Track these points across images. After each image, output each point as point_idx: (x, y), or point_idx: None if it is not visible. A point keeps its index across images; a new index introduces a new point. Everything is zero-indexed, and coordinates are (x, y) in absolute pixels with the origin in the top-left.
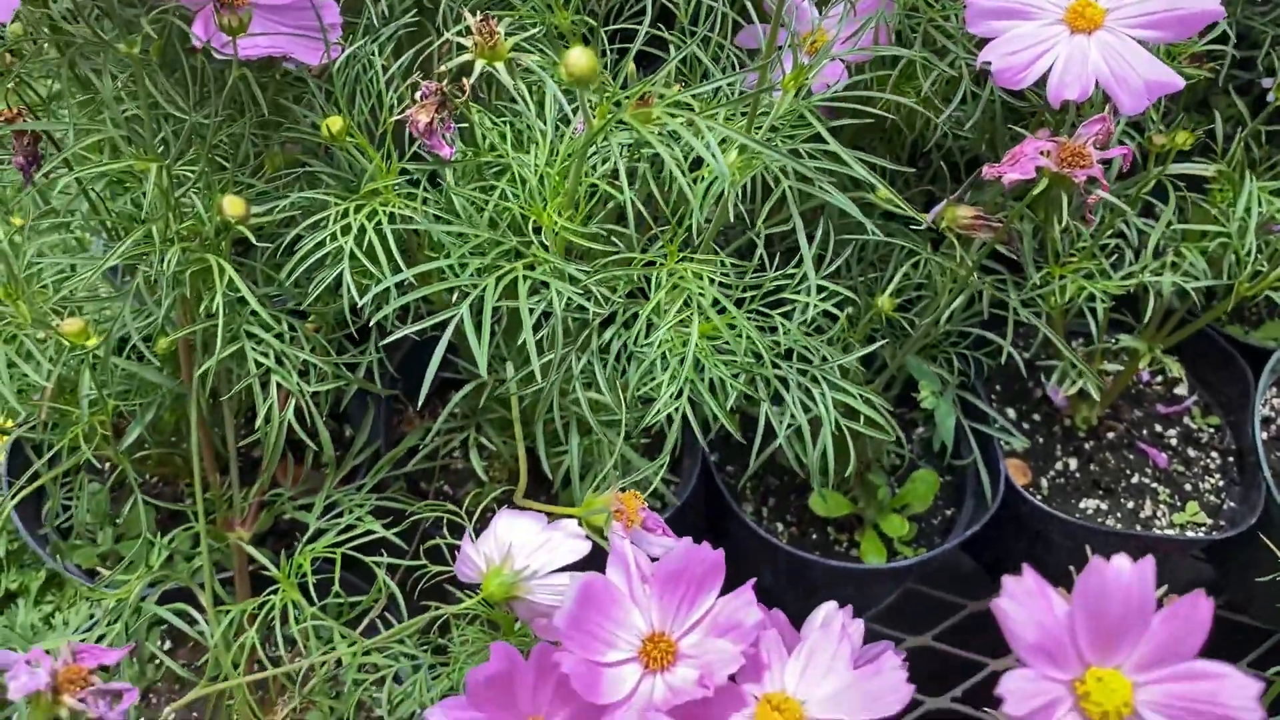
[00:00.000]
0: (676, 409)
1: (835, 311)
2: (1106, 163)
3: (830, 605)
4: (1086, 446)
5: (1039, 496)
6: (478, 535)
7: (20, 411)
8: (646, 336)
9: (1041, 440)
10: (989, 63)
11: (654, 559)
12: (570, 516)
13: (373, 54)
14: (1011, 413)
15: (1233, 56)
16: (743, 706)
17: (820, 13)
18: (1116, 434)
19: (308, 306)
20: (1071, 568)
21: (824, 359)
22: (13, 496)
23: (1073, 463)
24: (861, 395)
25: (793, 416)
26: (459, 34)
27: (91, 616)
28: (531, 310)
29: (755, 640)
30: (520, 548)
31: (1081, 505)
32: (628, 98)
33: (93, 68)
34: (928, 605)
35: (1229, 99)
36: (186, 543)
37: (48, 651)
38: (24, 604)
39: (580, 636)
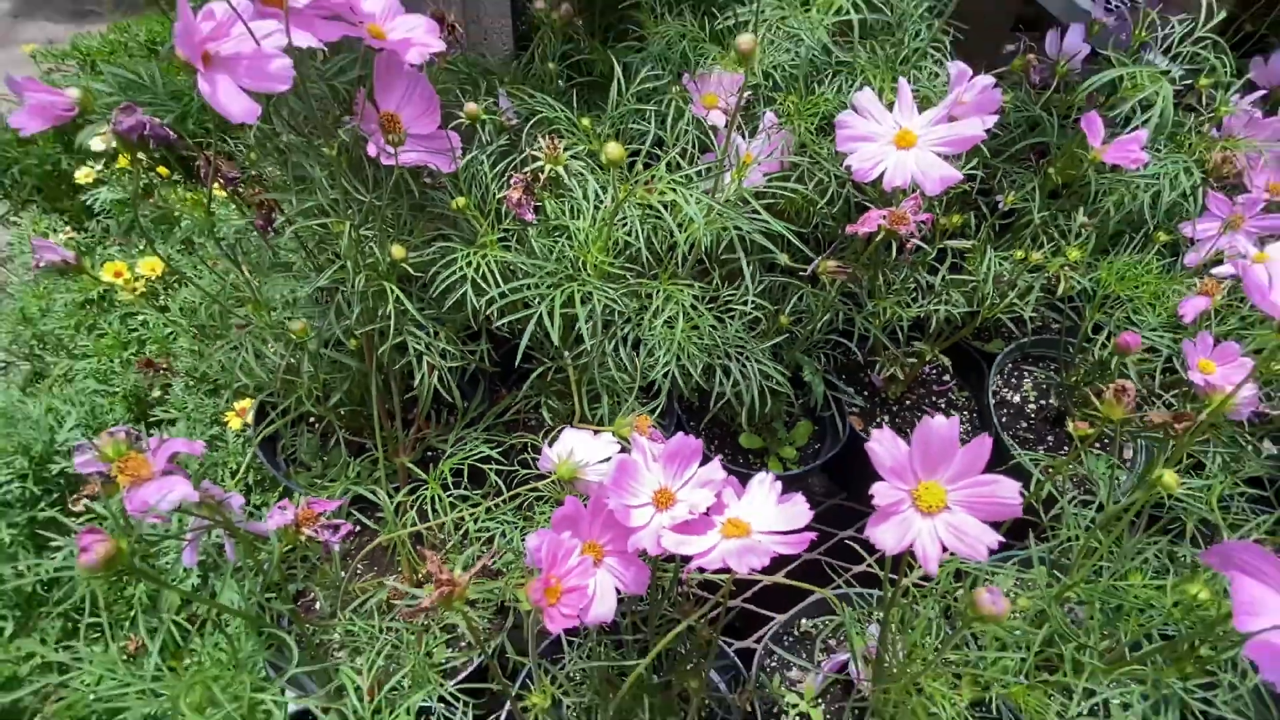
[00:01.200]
0: (666, 373)
1: (760, 315)
2: (920, 223)
3: (763, 473)
4: (894, 409)
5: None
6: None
7: (266, 382)
8: (651, 328)
9: (869, 407)
10: (849, 167)
11: None
12: (609, 431)
13: (482, 162)
14: (851, 390)
15: (981, 178)
16: (713, 527)
17: (747, 141)
18: (912, 402)
19: (444, 315)
20: (908, 430)
21: (751, 347)
22: (257, 436)
23: (887, 419)
24: (775, 369)
25: (735, 382)
26: (535, 149)
27: None
28: (579, 315)
29: (720, 491)
30: (578, 449)
31: None
32: (639, 183)
33: (307, 162)
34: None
35: (977, 204)
36: (369, 467)
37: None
38: (265, 513)
39: (618, 490)
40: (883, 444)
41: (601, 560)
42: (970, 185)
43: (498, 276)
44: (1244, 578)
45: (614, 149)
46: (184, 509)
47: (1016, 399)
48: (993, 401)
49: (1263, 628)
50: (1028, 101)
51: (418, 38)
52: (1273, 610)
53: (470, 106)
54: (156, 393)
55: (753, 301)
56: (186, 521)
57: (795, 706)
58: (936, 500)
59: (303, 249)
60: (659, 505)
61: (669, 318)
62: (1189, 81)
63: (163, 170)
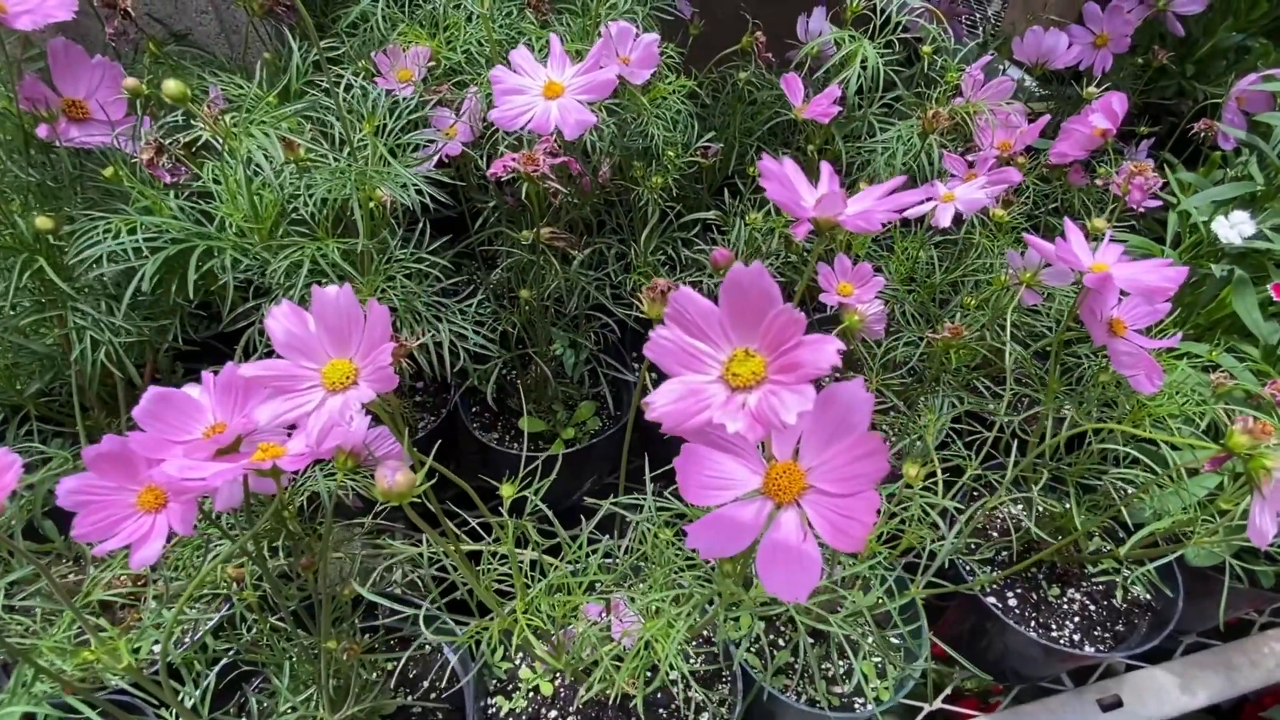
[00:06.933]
0: None
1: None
2: (558, 166)
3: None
4: None
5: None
6: None
7: None
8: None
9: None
10: (492, 119)
11: None
12: None
13: (144, 134)
14: (623, 368)
15: (720, 153)
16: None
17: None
18: None
19: (144, 295)
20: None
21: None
22: None
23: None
24: (475, 332)
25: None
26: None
27: None
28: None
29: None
30: None
31: None
32: (246, 132)
33: None
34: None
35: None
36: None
37: None
38: None
39: (158, 424)
40: (279, 320)
41: (165, 505)
42: (719, 161)
43: (139, 239)
44: (708, 449)
45: (171, 85)
46: None
47: None
48: None
49: (722, 501)
50: (767, 78)
51: (39, 6)
52: (740, 481)
53: (130, 81)
54: None
55: (430, 261)
56: None
57: (527, 680)
58: (343, 376)
59: None
60: (207, 434)
61: (290, 266)
62: (916, 48)
63: None
